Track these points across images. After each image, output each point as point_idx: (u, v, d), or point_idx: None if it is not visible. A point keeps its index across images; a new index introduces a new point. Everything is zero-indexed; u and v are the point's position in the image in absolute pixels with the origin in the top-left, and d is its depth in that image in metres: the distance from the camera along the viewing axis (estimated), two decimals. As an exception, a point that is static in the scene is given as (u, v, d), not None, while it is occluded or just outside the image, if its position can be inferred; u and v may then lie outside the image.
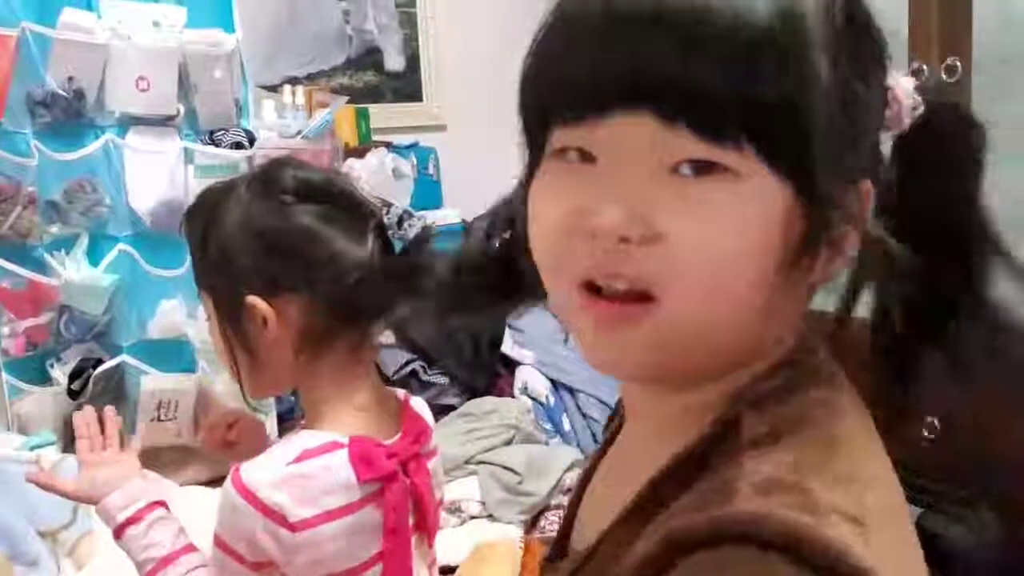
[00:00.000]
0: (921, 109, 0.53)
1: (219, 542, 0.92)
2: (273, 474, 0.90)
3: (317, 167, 1.03)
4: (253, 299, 0.95)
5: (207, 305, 1.02)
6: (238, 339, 0.98)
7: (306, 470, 0.90)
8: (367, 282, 0.96)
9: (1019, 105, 1.83)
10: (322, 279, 0.95)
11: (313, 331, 0.97)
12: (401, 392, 1.09)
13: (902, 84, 0.53)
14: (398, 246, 1.00)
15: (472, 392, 2.30)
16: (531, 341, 2.40)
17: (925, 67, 1.92)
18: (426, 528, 1.02)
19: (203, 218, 1.00)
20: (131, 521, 1.02)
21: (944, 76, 1.90)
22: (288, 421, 1.98)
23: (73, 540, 1.56)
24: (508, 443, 2.07)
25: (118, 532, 1.03)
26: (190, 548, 1.02)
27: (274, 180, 0.98)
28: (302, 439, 0.94)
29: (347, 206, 0.99)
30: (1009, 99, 1.85)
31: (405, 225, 1.00)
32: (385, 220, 1.00)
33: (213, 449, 1.18)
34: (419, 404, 1.10)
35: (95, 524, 1.53)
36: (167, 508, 1.05)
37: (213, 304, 1.00)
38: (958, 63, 1.89)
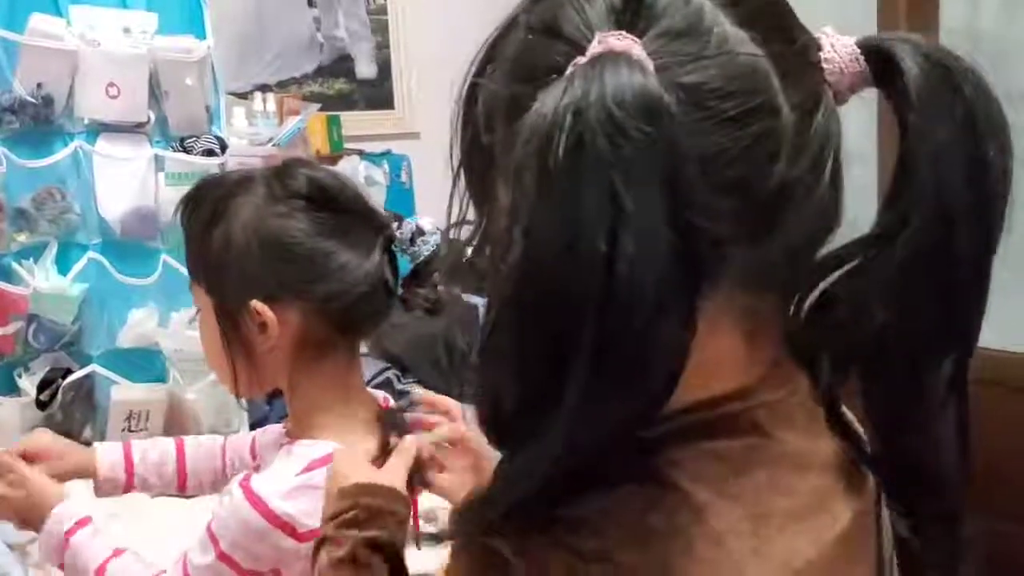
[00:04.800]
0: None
1: (218, 551, 0.91)
2: (284, 485, 0.91)
3: (330, 171, 1.02)
4: (258, 304, 0.94)
5: (199, 296, 1.00)
6: (234, 339, 0.97)
7: (316, 480, 0.90)
8: (370, 295, 0.96)
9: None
10: (326, 291, 0.95)
11: (311, 339, 0.97)
12: (380, 395, 1.09)
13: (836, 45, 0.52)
14: (405, 262, 0.99)
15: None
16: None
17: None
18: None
19: (211, 208, 0.98)
20: (80, 525, 1.02)
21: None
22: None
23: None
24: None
25: (67, 537, 1.01)
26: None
27: (289, 182, 0.97)
28: (305, 450, 0.94)
29: (358, 217, 0.98)
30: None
31: (418, 242, 1.00)
32: (398, 235, 0.99)
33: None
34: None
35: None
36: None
37: (212, 302, 0.99)
38: (926, 71, 1.92)
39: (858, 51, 0.52)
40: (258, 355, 0.97)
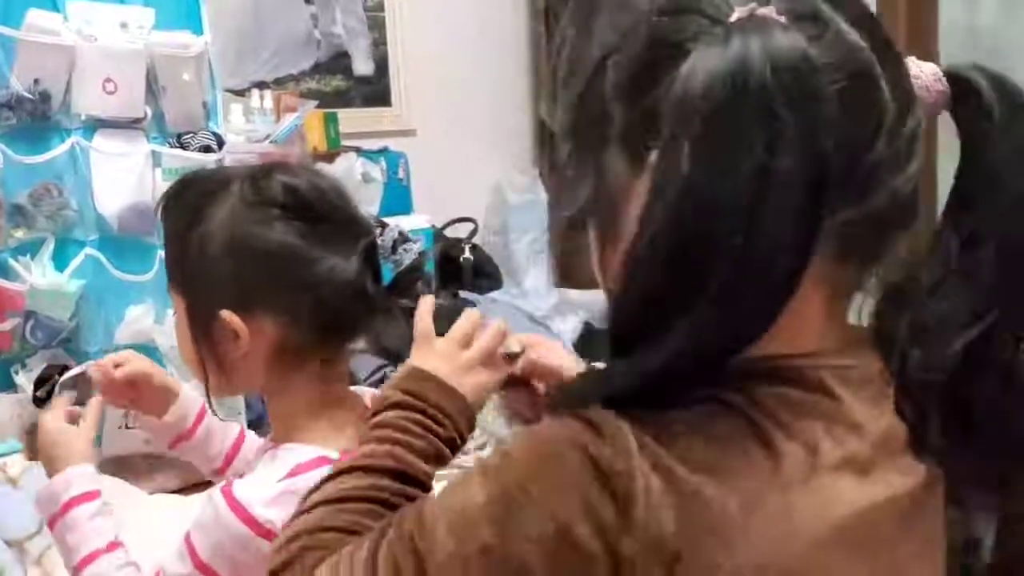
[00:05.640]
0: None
1: (196, 561, 0.90)
2: (267, 491, 0.89)
3: (313, 172, 0.99)
4: (227, 314, 0.92)
5: (174, 296, 0.99)
6: (206, 346, 0.96)
7: (300, 486, 0.87)
8: (349, 304, 0.93)
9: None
10: (301, 301, 0.92)
11: (288, 347, 0.94)
12: (369, 394, 1.06)
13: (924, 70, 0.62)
14: (388, 270, 0.98)
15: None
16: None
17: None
18: None
19: (189, 209, 0.96)
20: (86, 498, 1.01)
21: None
22: (258, 430, 1.95)
23: (40, 549, 1.53)
24: (481, 448, 2.06)
25: (67, 506, 1.01)
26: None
27: (266, 186, 0.94)
28: (290, 454, 0.93)
29: (338, 223, 0.96)
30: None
31: (400, 250, 0.99)
32: (379, 241, 0.96)
33: (107, 388, 1.15)
34: None
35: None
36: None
37: (184, 305, 0.98)
38: (924, 69, 1.92)
39: (940, 73, 0.62)
40: (230, 365, 0.96)
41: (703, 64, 0.54)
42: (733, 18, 0.55)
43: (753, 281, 0.53)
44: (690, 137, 0.54)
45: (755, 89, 0.52)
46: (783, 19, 0.55)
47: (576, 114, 0.67)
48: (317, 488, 0.78)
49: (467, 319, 0.89)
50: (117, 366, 1.13)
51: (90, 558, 0.98)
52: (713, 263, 0.53)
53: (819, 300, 0.60)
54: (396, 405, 0.81)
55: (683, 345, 0.54)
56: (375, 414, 0.82)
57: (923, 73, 0.61)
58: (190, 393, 1.17)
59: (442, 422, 0.81)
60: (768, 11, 0.55)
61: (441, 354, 0.85)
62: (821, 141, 0.53)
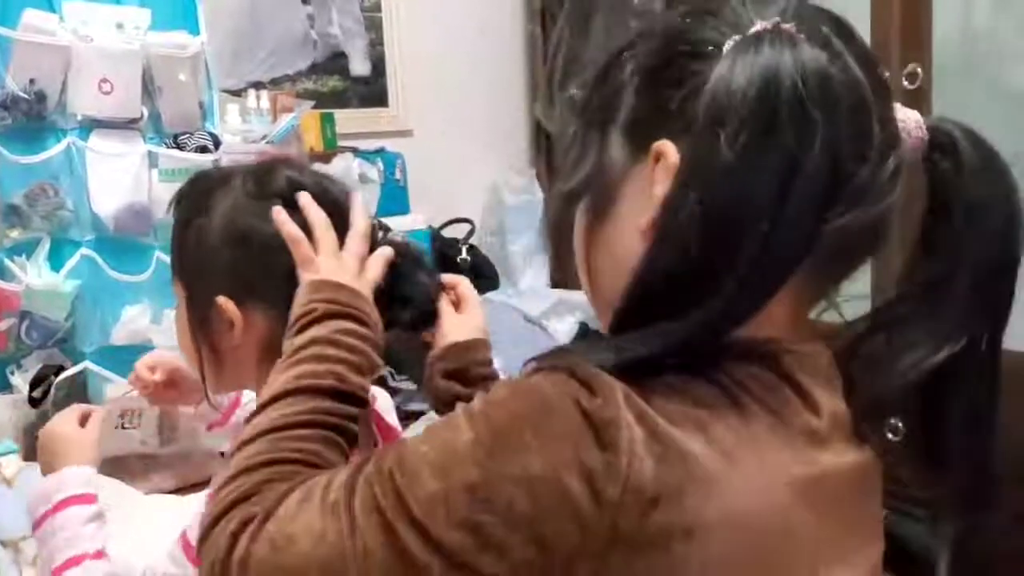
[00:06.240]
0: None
1: (191, 556, 0.90)
2: None
3: (315, 172, 1.01)
4: (223, 300, 0.94)
5: (178, 293, 1.00)
6: (203, 335, 0.97)
7: None
8: None
9: (979, 112, 1.87)
10: (292, 291, 0.91)
11: (278, 344, 0.92)
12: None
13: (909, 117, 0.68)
14: None
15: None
16: (495, 345, 2.40)
17: (887, 73, 1.95)
18: None
19: (192, 203, 0.98)
20: (83, 500, 1.01)
21: (905, 83, 1.94)
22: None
23: (36, 550, 1.53)
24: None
25: (63, 504, 1.01)
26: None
27: (268, 180, 0.96)
28: None
29: (336, 217, 0.96)
30: (968, 106, 1.88)
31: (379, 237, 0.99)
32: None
33: (153, 394, 1.21)
34: (385, 403, 1.09)
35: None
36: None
37: (184, 294, 0.99)
38: (919, 70, 1.92)
39: (922, 121, 0.68)
40: (223, 353, 0.97)
41: (739, 67, 0.60)
42: (757, 28, 0.62)
43: (770, 265, 0.60)
44: (727, 130, 0.59)
45: (789, 91, 0.58)
46: (803, 36, 0.61)
47: (588, 97, 0.73)
48: (258, 413, 0.77)
49: (322, 227, 0.92)
50: (152, 369, 1.16)
51: (76, 560, 0.98)
52: (741, 245, 0.59)
53: (787, 300, 0.65)
54: (324, 317, 0.84)
55: (709, 319, 0.60)
56: (300, 331, 0.84)
57: (907, 119, 0.67)
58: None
59: (372, 327, 0.86)
60: (790, 27, 0.61)
61: (331, 266, 0.89)
62: (840, 147, 0.59)
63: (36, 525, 1.02)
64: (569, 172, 0.72)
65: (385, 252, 0.94)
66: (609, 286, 0.69)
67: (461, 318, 1.04)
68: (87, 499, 1.02)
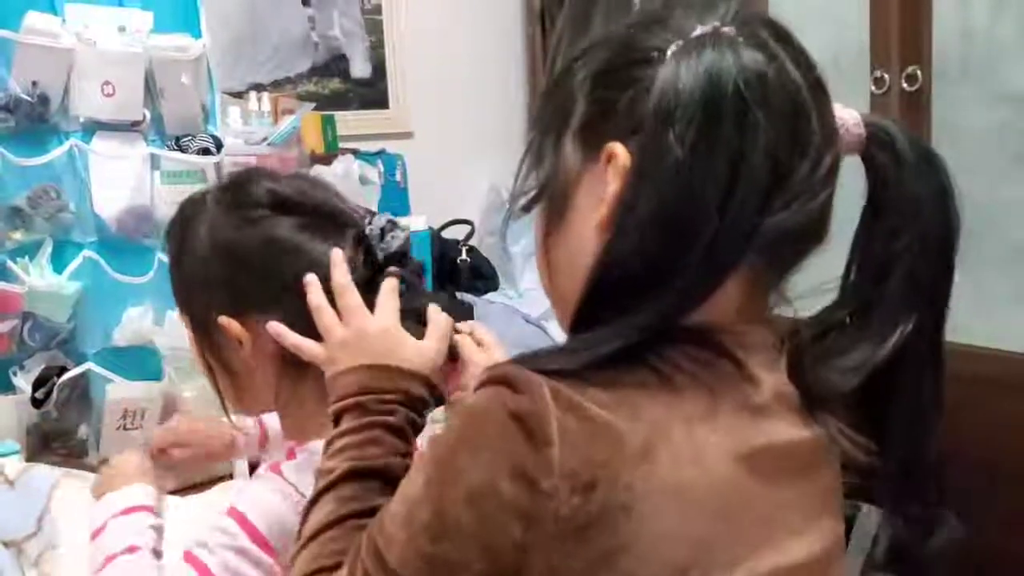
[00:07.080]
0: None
1: (196, 565, 0.88)
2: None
3: (293, 174, 1.01)
4: (225, 319, 0.93)
5: (185, 324, 1.01)
6: (215, 359, 0.97)
7: None
8: None
9: (978, 114, 1.87)
10: (292, 297, 0.91)
11: (291, 352, 0.92)
12: None
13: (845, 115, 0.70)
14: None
15: (439, 400, 2.29)
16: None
17: (886, 76, 1.96)
18: None
19: (178, 234, 0.99)
20: (150, 511, 1.03)
21: (904, 85, 1.94)
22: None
23: (39, 551, 1.53)
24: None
25: (131, 510, 1.02)
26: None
27: (243, 192, 0.95)
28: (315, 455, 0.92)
29: (322, 217, 0.96)
30: (968, 108, 1.89)
31: (388, 237, 0.99)
32: (367, 230, 0.96)
33: (155, 454, 1.21)
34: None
35: (61, 539, 1.51)
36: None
37: (189, 324, 0.99)
38: (919, 72, 1.93)
39: (860, 119, 0.70)
40: (240, 374, 0.97)
41: (683, 69, 0.63)
42: (698, 32, 0.65)
43: (718, 256, 0.62)
44: (675, 129, 0.62)
45: (731, 90, 0.61)
46: (742, 39, 0.64)
47: (542, 106, 0.76)
48: (305, 518, 0.81)
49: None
50: (170, 448, 1.23)
51: (133, 548, 0.98)
52: (692, 238, 0.61)
53: (732, 289, 0.67)
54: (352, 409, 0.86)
55: (661, 308, 0.63)
56: (336, 422, 0.86)
57: (845, 117, 0.70)
58: (243, 422, 1.23)
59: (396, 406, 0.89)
60: (730, 30, 0.65)
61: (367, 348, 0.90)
62: (779, 145, 0.62)
63: (97, 531, 1.01)
64: (524, 178, 0.75)
65: (391, 285, 0.94)
66: (567, 286, 0.71)
67: (489, 355, 1.02)
68: (152, 511, 1.02)
